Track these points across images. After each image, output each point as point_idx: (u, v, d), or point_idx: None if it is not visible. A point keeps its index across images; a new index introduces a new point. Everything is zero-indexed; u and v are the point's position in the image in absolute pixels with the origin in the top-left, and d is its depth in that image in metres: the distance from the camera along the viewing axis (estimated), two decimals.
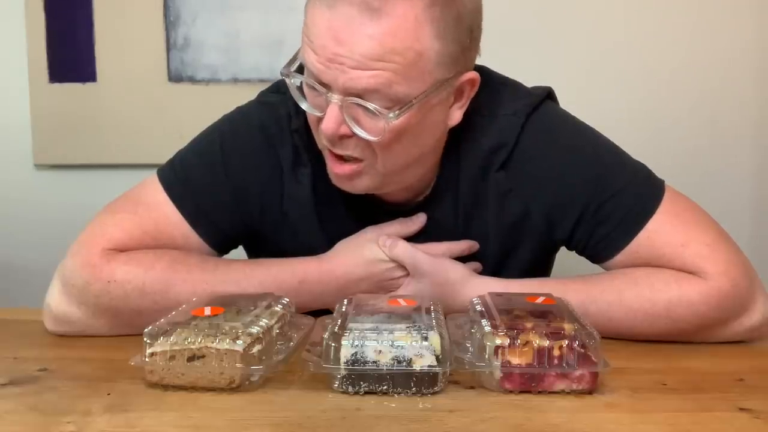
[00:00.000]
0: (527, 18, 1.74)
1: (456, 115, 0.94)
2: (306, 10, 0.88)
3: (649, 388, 0.76)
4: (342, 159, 0.91)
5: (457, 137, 0.98)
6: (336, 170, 0.93)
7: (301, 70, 0.90)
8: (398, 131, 0.87)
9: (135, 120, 1.78)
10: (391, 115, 0.85)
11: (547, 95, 1.02)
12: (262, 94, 1.07)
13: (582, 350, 0.73)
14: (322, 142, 0.92)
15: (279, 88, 1.04)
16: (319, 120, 0.88)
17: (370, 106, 0.84)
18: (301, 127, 0.99)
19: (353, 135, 0.87)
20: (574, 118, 1.02)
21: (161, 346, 0.74)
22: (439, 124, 0.93)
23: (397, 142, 0.88)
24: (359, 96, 0.84)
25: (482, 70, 1.00)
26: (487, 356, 0.74)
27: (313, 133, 0.95)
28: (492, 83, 1.01)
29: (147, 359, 0.74)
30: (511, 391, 0.73)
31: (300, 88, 0.92)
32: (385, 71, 0.83)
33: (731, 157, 1.77)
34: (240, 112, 1.06)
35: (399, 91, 0.84)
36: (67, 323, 0.94)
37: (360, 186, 0.94)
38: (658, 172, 0.99)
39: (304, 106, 0.91)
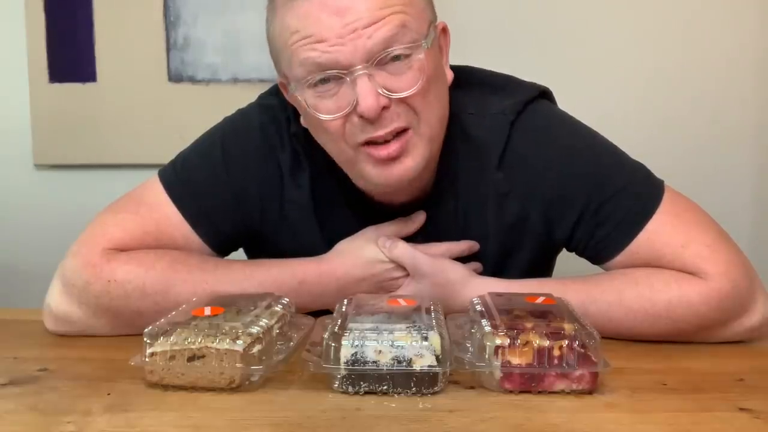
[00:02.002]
0: (527, 18, 1.74)
1: (448, 73, 0.96)
2: (276, 27, 0.89)
3: (649, 388, 0.76)
4: (381, 145, 0.90)
5: (452, 137, 0.98)
6: (382, 153, 0.89)
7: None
8: (427, 75, 0.87)
9: (135, 120, 1.78)
10: (423, 43, 0.86)
11: (542, 94, 1.02)
12: (261, 97, 1.07)
13: (582, 350, 0.73)
14: (356, 140, 0.89)
15: (278, 91, 1.04)
16: (346, 119, 0.87)
17: (400, 48, 0.85)
18: (300, 132, 0.99)
19: (390, 104, 0.87)
20: (571, 117, 1.02)
21: (161, 346, 0.74)
22: (445, 75, 0.95)
23: (430, 87, 0.89)
24: (382, 51, 0.85)
25: (465, 70, 1.01)
26: (487, 356, 0.74)
27: (333, 144, 0.92)
28: (480, 81, 1.01)
29: (147, 359, 0.74)
30: (511, 391, 0.73)
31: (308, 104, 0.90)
32: (394, 15, 0.85)
33: (731, 157, 1.77)
34: (241, 113, 1.06)
35: (412, 30, 0.86)
36: (67, 323, 0.94)
37: (409, 165, 0.90)
38: (658, 172, 0.99)
39: (324, 117, 0.88)
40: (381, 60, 0.85)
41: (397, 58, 0.86)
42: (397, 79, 0.86)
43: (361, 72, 0.85)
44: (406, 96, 0.87)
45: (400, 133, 0.90)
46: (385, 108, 0.86)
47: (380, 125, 0.88)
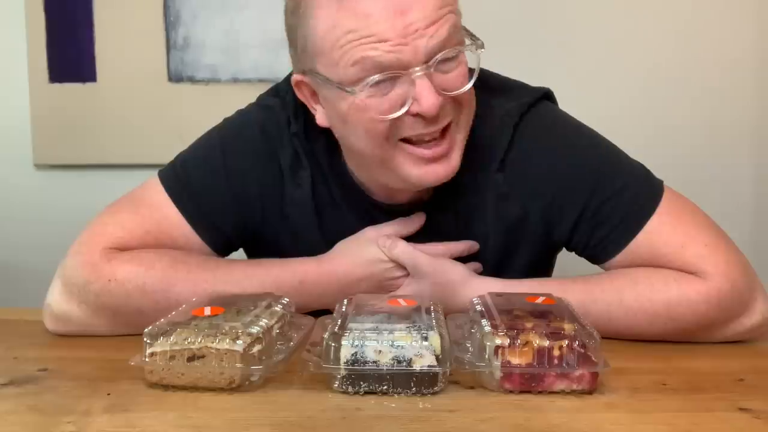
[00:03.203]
0: (527, 18, 1.74)
1: None
2: (320, 24, 0.86)
3: (649, 388, 0.76)
4: (425, 143, 0.90)
5: None
6: (427, 153, 0.89)
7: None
8: (471, 73, 0.88)
9: (135, 120, 1.78)
10: (472, 45, 0.88)
11: (545, 96, 1.02)
12: (261, 98, 1.07)
13: (582, 350, 0.73)
14: (399, 135, 0.89)
15: (278, 92, 1.04)
16: (393, 120, 0.87)
17: (458, 49, 0.86)
18: (300, 131, 0.99)
19: (444, 103, 0.87)
20: (571, 118, 1.02)
21: (161, 346, 0.74)
22: None
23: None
24: (440, 51, 0.85)
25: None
26: (487, 356, 0.74)
27: (371, 144, 0.90)
28: (484, 82, 1.01)
29: (147, 359, 0.74)
30: (511, 391, 0.73)
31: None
32: (449, 14, 0.86)
33: (731, 158, 1.77)
34: (241, 115, 1.06)
35: (459, 30, 0.87)
36: (67, 322, 0.94)
37: (454, 164, 0.91)
38: (658, 172, 0.99)
39: (379, 117, 0.86)
40: (437, 60, 0.85)
41: (448, 57, 0.86)
42: (448, 77, 0.87)
43: (420, 72, 0.85)
44: (461, 93, 0.88)
45: (444, 129, 0.90)
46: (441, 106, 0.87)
47: (432, 122, 0.88)
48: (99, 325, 0.94)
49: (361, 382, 0.72)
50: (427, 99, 0.85)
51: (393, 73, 0.85)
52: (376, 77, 0.85)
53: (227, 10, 1.75)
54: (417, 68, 0.84)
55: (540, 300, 0.83)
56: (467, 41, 0.89)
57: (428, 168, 0.91)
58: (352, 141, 0.93)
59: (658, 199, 0.95)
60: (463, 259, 1.00)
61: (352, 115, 0.88)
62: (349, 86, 0.86)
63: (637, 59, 1.74)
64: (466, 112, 0.92)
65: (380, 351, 0.72)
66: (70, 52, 1.77)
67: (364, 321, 0.75)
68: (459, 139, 0.92)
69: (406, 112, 0.86)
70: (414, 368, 0.72)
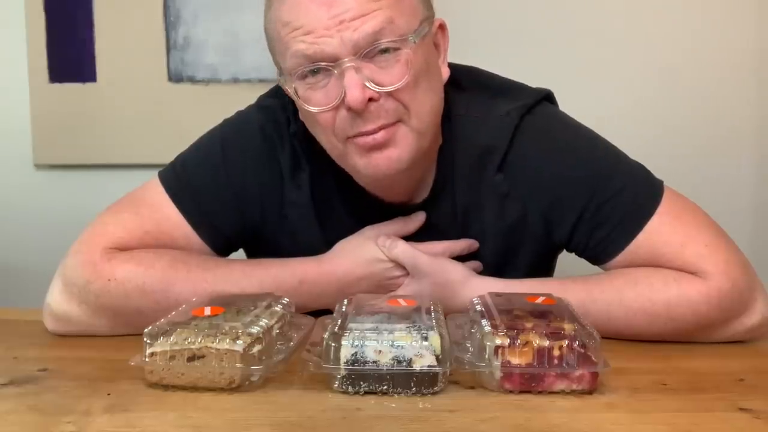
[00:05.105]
0: (527, 17, 1.74)
1: (444, 70, 0.96)
2: (270, 19, 0.90)
3: (649, 388, 0.76)
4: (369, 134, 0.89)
5: (450, 138, 0.98)
6: (368, 140, 0.89)
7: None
8: (416, 69, 0.87)
9: (135, 120, 1.78)
10: (410, 38, 0.86)
11: (545, 97, 1.02)
12: (261, 99, 1.07)
13: (582, 350, 0.73)
14: (345, 134, 0.89)
15: (277, 93, 1.04)
16: (335, 112, 0.88)
17: (387, 42, 0.85)
18: (300, 132, 0.99)
19: (379, 97, 0.87)
20: (571, 119, 1.02)
21: (161, 346, 0.74)
22: (439, 72, 0.95)
23: (419, 82, 0.88)
24: (369, 44, 0.85)
25: (472, 71, 1.01)
26: (487, 356, 0.74)
27: (325, 138, 0.92)
28: (484, 83, 1.01)
29: (147, 359, 0.74)
30: (511, 391, 0.73)
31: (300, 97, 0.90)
32: (381, 10, 0.85)
33: (731, 158, 1.76)
34: (240, 116, 1.06)
35: (400, 26, 0.86)
36: (67, 322, 0.94)
37: (394, 156, 0.90)
38: (658, 172, 0.99)
39: (314, 109, 0.89)
40: (368, 53, 0.86)
41: (385, 51, 0.86)
42: (385, 72, 0.87)
43: (348, 64, 0.85)
44: (394, 90, 0.87)
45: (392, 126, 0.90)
46: (372, 100, 0.87)
47: (368, 119, 0.87)
48: (99, 325, 0.94)
49: (361, 382, 0.72)
50: (351, 91, 0.85)
51: (321, 65, 0.86)
52: (304, 68, 0.87)
53: (227, 10, 1.75)
54: (346, 60, 0.85)
55: (540, 300, 0.83)
56: (411, 39, 0.87)
57: (371, 158, 0.90)
58: (315, 134, 0.95)
59: (658, 200, 0.94)
60: (462, 257, 1.00)
61: (301, 108, 0.91)
62: (291, 77, 0.89)
63: (637, 60, 1.74)
64: (416, 111, 0.89)
65: (380, 351, 0.72)
66: (70, 52, 1.77)
67: (364, 321, 0.75)
68: (410, 136, 0.90)
69: (343, 106, 0.87)
70: (414, 368, 0.72)
